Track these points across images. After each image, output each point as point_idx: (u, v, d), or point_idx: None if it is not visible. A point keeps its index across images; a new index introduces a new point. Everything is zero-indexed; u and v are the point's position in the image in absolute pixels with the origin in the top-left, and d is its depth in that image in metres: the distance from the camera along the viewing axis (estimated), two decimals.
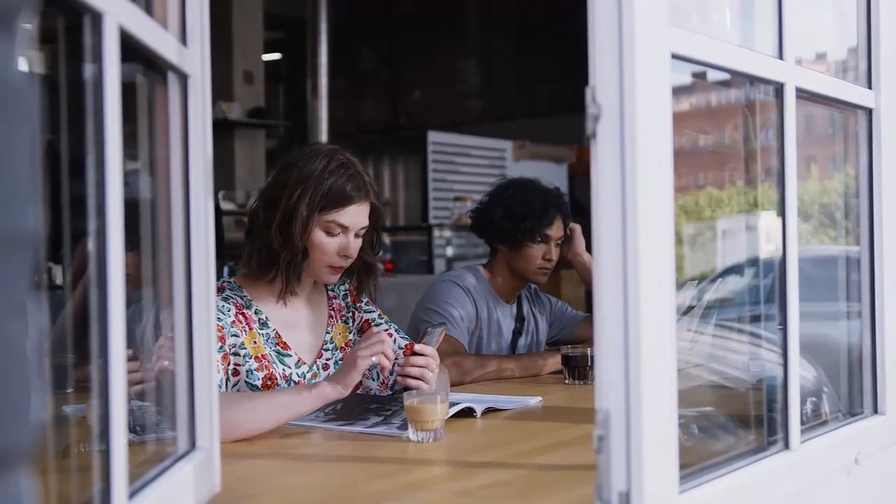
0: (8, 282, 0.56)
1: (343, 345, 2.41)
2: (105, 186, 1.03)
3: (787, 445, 1.55)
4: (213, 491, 1.45)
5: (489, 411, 2.23)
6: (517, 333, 3.18)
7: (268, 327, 2.28)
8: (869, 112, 1.85)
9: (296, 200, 2.20)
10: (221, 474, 1.47)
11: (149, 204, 1.39)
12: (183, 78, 1.37)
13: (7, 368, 0.56)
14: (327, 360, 2.37)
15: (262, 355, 2.23)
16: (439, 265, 7.43)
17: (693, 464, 1.36)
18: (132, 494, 1.12)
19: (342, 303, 2.46)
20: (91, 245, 1.03)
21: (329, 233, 2.24)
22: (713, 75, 1.57)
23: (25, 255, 0.58)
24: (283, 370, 2.26)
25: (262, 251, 2.25)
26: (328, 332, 2.40)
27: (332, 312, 2.43)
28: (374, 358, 2.02)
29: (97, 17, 1.02)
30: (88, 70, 1.04)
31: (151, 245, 1.40)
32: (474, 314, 3.04)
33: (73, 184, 1.07)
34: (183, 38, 1.38)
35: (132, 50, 1.14)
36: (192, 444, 1.40)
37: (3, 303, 0.55)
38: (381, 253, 2.40)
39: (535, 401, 2.39)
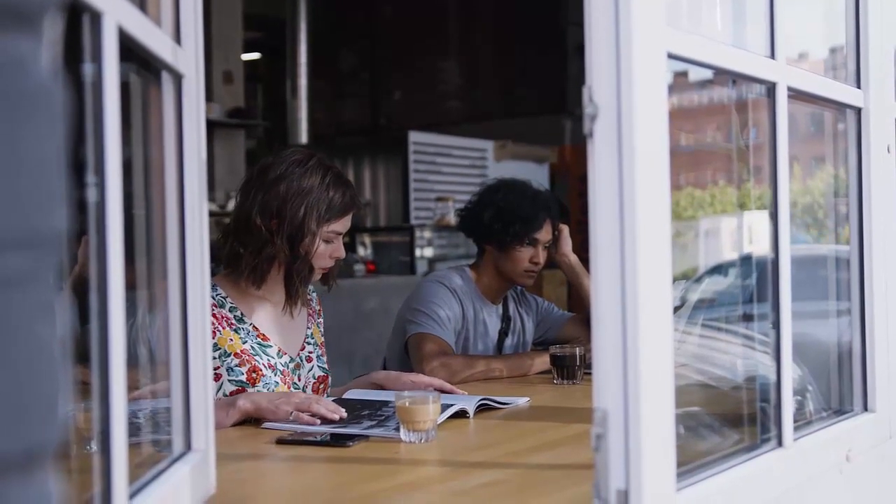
0: (36, 281, 0.55)
1: (319, 343, 2.52)
2: (105, 187, 1.02)
3: (780, 443, 1.55)
4: (208, 492, 1.44)
5: (482, 410, 2.24)
6: (503, 334, 3.18)
7: (245, 322, 2.33)
8: (858, 111, 1.86)
9: (302, 217, 2.28)
10: (217, 476, 1.46)
11: (143, 205, 1.39)
12: (178, 78, 1.37)
13: (36, 368, 0.55)
14: (309, 353, 2.46)
15: (242, 350, 2.29)
16: (421, 266, 7.42)
17: (690, 462, 1.36)
18: (131, 496, 1.11)
19: (315, 307, 2.56)
20: (91, 246, 1.02)
21: (326, 241, 2.34)
22: (695, 74, 1.58)
23: (53, 255, 0.57)
24: (268, 360, 2.32)
25: (266, 262, 2.31)
26: (308, 328, 2.49)
27: (311, 311, 2.52)
28: (292, 416, 2.06)
29: (96, 17, 1.01)
30: (87, 69, 1.03)
31: (145, 247, 1.39)
32: (461, 314, 3.03)
33: (70, 184, 1.06)
34: (177, 38, 1.37)
35: (127, 49, 1.13)
36: (188, 446, 1.40)
37: (31, 303, 0.55)
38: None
39: (523, 401, 2.40)
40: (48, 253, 0.57)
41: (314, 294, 2.58)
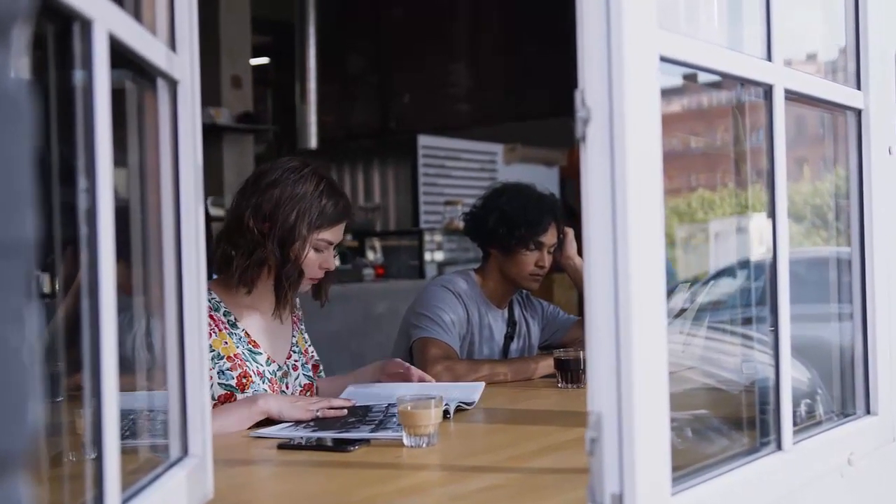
0: (7, 288, 0.56)
1: (303, 350, 2.54)
2: (96, 193, 1.02)
3: (779, 446, 1.55)
4: (205, 498, 1.44)
5: (458, 410, 2.27)
6: (509, 338, 3.18)
7: (238, 328, 2.36)
8: (858, 113, 1.85)
9: (294, 221, 2.31)
10: (214, 481, 1.47)
11: (138, 211, 1.39)
12: (172, 84, 1.37)
13: (5, 374, 0.56)
14: (295, 361, 2.49)
15: (235, 354, 2.32)
16: (430, 270, 7.42)
17: (686, 465, 1.36)
18: (125, 501, 1.11)
19: (299, 313, 2.59)
20: (82, 252, 1.03)
21: (317, 249, 2.37)
22: (703, 77, 1.58)
23: (24, 262, 0.58)
24: (257, 367, 2.35)
25: (256, 265, 2.33)
26: (294, 337, 2.52)
27: (295, 319, 2.55)
28: (318, 413, 2.18)
29: (87, 24, 1.01)
30: (78, 76, 1.04)
31: (142, 253, 1.40)
32: (465, 319, 3.03)
33: (61, 191, 1.06)
34: (172, 44, 1.37)
35: (121, 56, 1.14)
36: (185, 451, 1.40)
37: (1, 309, 0.55)
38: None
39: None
40: (17, 259, 0.57)
41: (297, 300, 2.59)
